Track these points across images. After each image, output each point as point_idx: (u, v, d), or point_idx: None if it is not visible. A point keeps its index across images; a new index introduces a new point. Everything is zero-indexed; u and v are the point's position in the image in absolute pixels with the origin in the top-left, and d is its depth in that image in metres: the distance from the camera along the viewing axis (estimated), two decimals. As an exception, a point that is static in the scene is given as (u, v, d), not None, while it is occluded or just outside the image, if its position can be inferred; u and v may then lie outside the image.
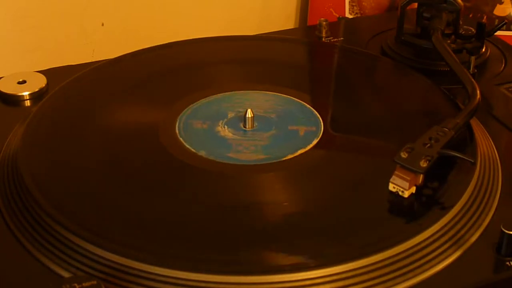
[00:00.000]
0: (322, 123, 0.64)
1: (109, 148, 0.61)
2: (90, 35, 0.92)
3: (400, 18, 0.77)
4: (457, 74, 0.66)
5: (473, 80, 0.65)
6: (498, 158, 0.61)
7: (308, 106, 0.67)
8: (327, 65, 0.77)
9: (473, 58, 0.74)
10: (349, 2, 0.98)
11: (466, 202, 0.55)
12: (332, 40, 0.82)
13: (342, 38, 0.83)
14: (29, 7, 0.87)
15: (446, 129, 0.57)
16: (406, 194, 0.54)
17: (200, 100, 0.67)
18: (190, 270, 0.48)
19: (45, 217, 0.53)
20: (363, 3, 0.98)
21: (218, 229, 0.52)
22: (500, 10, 0.95)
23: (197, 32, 0.83)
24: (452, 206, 0.54)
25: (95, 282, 0.44)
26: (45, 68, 0.74)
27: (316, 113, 0.65)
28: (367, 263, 0.49)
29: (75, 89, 0.69)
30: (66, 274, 0.49)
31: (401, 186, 0.54)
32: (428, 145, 0.56)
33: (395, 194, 0.54)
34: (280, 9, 1.02)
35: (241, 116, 0.64)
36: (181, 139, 0.62)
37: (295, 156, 0.60)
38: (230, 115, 0.65)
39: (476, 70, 0.74)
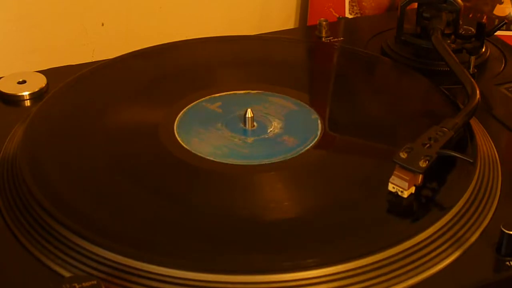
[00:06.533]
0: (321, 123, 0.64)
1: (109, 148, 0.61)
2: (90, 35, 0.92)
3: (400, 18, 0.77)
4: (456, 74, 0.66)
5: (472, 80, 0.65)
6: (498, 158, 0.61)
7: (308, 106, 0.67)
8: (327, 65, 0.78)
9: (473, 58, 0.74)
10: (349, 2, 0.98)
11: (466, 202, 0.55)
12: (332, 40, 0.82)
13: (342, 38, 0.83)
14: (29, 7, 0.87)
15: (446, 129, 0.57)
16: (406, 194, 0.54)
17: (200, 100, 0.67)
18: (190, 270, 0.48)
19: (45, 216, 0.53)
20: (363, 3, 0.98)
21: (218, 229, 0.52)
22: (500, 10, 0.95)
23: (197, 32, 0.83)
24: (452, 206, 0.54)
25: (95, 282, 0.44)
26: (45, 68, 0.74)
27: (316, 113, 0.65)
28: (366, 263, 0.49)
29: (75, 89, 0.69)
30: (66, 274, 0.49)
31: (400, 186, 0.54)
32: (428, 145, 0.56)
33: (395, 194, 0.54)
34: (280, 9, 1.02)
35: (241, 116, 0.64)
36: (180, 139, 0.62)
37: (294, 156, 0.60)
38: (230, 115, 0.65)
39: (476, 70, 0.74)
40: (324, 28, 0.82)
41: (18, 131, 0.63)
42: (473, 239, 0.53)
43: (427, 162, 0.54)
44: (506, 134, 0.65)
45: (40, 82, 0.71)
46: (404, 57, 0.77)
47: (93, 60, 0.78)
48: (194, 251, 0.50)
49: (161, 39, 0.79)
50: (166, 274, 0.48)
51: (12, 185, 0.57)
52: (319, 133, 0.63)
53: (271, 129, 0.63)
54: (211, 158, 0.59)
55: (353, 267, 0.49)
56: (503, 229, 0.51)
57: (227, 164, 0.59)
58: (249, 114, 0.63)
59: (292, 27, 1.03)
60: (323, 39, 0.82)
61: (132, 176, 0.57)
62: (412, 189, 0.55)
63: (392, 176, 0.54)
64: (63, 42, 0.90)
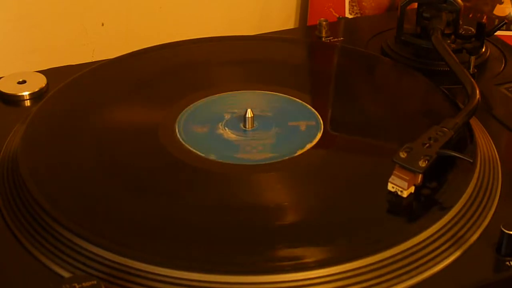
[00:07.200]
0: (322, 123, 0.64)
1: (109, 148, 0.61)
2: (90, 35, 0.92)
3: (400, 18, 0.77)
4: (456, 74, 0.66)
5: (472, 80, 0.65)
6: (498, 158, 0.61)
7: (308, 106, 0.67)
8: (327, 65, 0.78)
9: (473, 58, 0.74)
10: (349, 2, 0.98)
11: (466, 202, 0.55)
12: (332, 40, 0.82)
13: (342, 38, 0.83)
14: (29, 7, 0.87)
15: (446, 129, 0.57)
16: (405, 194, 0.54)
17: (200, 100, 0.67)
18: (190, 270, 0.48)
19: (45, 217, 0.53)
20: (363, 3, 0.98)
21: (218, 229, 0.52)
22: (500, 10, 0.95)
23: (197, 32, 0.83)
24: (452, 206, 0.54)
25: (95, 282, 0.44)
26: (45, 68, 0.74)
27: (316, 113, 0.65)
28: (367, 263, 0.49)
29: (75, 89, 0.69)
30: (66, 274, 0.49)
31: (400, 186, 0.54)
32: (427, 145, 0.56)
33: (394, 194, 0.54)
34: (280, 9, 1.02)
35: (241, 116, 0.64)
36: (180, 139, 0.62)
37: (294, 157, 0.60)
38: (230, 115, 0.65)
39: (476, 70, 0.74)
40: (324, 28, 0.82)
41: (18, 131, 0.63)
42: (473, 239, 0.53)
43: (426, 162, 0.54)
44: (506, 134, 0.65)
45: (40, 82, 0.71)
46: (404, 57, 0.77)
47: (93, 60, 0.78)
48: (194, 251, 0.50)
49: (161, 39, 0.79)
50: (166, 274, 0.48)
51: (12, 185, 0.57)
52: (319, 133, 0.63)
53: (271, 129, 0.63)
54: (211, 158, 0.59)
55: (353, 267, 0.49)
56: (503, 229, 0.51)
57: (227, 164, 0.59)
58: (249, 114, 0.63)
59: (292, 27, 1.03)
60: (323, 39, 0.82)
61: (133, 176, 0.57)
62: (412, 189, 0.55)
63: (392, 176, 0.54)
64: (63, 42, 0.90)
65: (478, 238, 0.53)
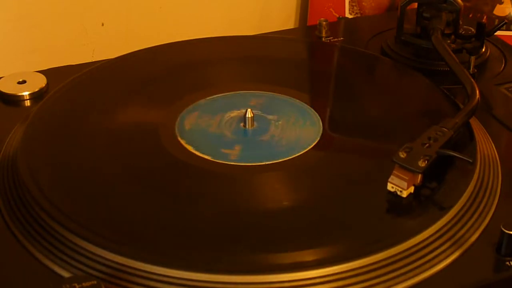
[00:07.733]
0: (321, 123, 0.64)
1: (109, 148, 0.61)
2: (90, 35, 0.92)
3: (400, 18, 0.77)
4: (456, 74, 0.66)
5: (472, 80, 0.65)
6: (498, 158, 0.61)
7: (308, 106, 0.67)
8: (327, 65, 0.78)
9: (473, 58, 0.74)
10: (349, 2, 0.98)
11: (466, 202, 0.55)
12: (332, 40, 0.82)
13: (342, 38, 0.83)
14: (29, 7, 0.87)
15: (445, 129, 0.57)
16: (405, 194, 0.54)
17: (200, 100, 0.67)
18: (190, 270, 0.48)
19: (45, 217, 0.53)
20: (363, 3, 0.98)
21: (218, 229, 0.52)
22: (500, 10, 0.95)
23: (197, 32, 0.83)
24: (451, 206, 0.54)
25: (95, 282, 0.44)
26: (45, 68, 0.74)
27: (316, 113, 0.65)
28: (366, 263, 0.49)
29: (75, 89, 0.69)
30: (66, 274, 0.49)
31: (399, 186, 0.54)
32: (427, 144, 0.56)
33: (394, 194, 0.54)
34: (280, 9, 1.02)
35: (241, 116, 0.64)
36: (181, 139, 0.62)
37: (295, 156, 0.60)
38: (230, 115, 0.65)
39: (476, 70, 0.74)
40: (324, 28, 0.82)
41: (18, 131, 0.63)
42: (473, 239, 0.53)
43: (426, 161, 0.54)
44: (506, 134, 0.65)
45: (40, 82, 0.71)
46: (404, 57, 0.77)
47: (93, 60, 0.78)
48: (194, 251, 0.50)
49: (161, 39, 0.79)
50: (166, 274, 0.48)
51: (12, 185, 0.57)
52: (319, 133, 0.63)
53: (271, 129, 0.63)
54: (211, 158, 0.59)
55: (353, 267, 0.49)
56: (503, 229, 0.51)
57: (227, 164, 0.59)
58: (249, 114, 0.63)
59: (292, 27, 1.03)
60: (323, 39, 0.82)
61: (133, 176, 0.57)
62: (411, 189, 0.55)
63: (391, 176, 0.54)
64: (63, 42, 0.90)
65: (478, 238, 0.53)
